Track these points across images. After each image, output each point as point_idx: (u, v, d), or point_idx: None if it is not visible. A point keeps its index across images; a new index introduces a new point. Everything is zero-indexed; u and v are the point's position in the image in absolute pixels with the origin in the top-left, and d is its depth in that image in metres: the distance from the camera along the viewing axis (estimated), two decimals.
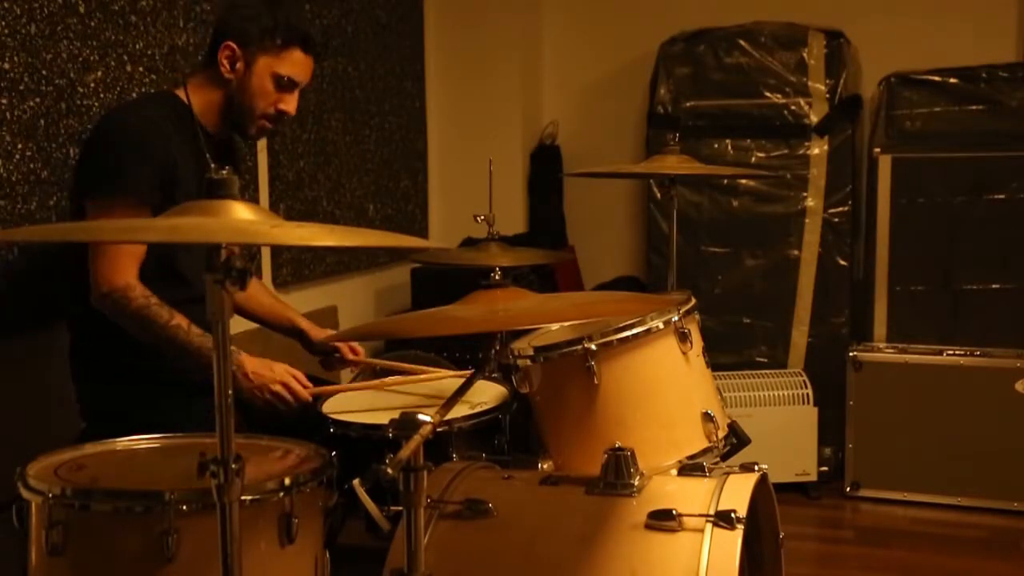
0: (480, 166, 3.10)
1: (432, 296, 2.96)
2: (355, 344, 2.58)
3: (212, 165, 2.28)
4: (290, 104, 2.35)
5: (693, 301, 2.20)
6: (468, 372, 1.97)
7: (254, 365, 2.25)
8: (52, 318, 2.50)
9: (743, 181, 3.89)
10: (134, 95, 2.73)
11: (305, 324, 2.61)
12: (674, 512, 1.75)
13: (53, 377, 2.56)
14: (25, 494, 1.66)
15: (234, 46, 2.29)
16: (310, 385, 2.30)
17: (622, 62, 4.46)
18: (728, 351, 3.85)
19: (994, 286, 3.70)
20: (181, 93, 2.36)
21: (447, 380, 2.58)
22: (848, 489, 3.68)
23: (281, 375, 2.26)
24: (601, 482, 1.87)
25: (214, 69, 2.32)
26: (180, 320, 2.18)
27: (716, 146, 3.93)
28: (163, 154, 2.23)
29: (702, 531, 1.73)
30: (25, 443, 2.25)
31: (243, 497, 1.39)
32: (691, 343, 2.12)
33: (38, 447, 1.90)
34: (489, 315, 1.59)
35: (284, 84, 2.32)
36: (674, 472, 2.03)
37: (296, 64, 2.33)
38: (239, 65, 2.29)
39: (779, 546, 2.04)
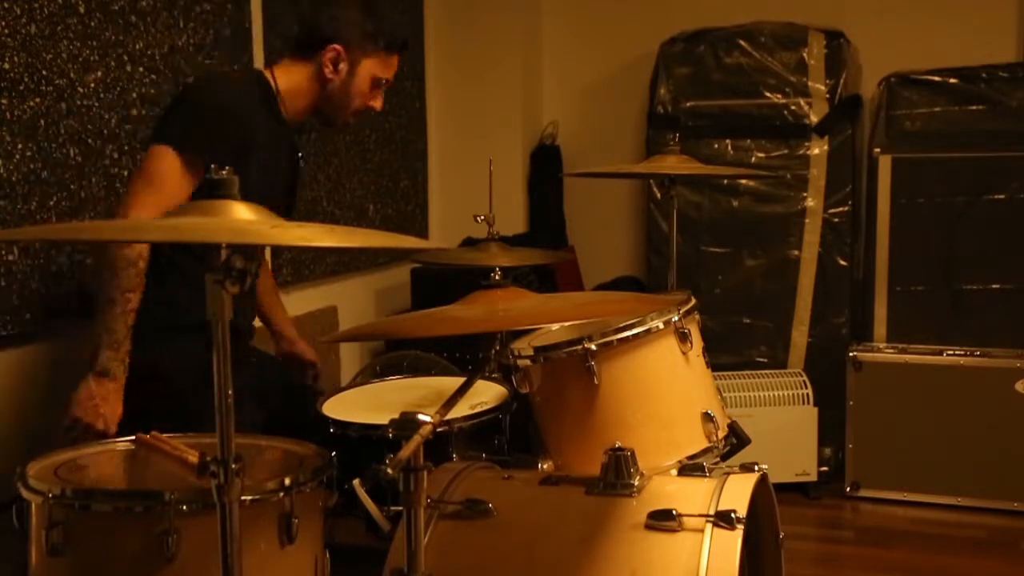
0: (480, 166, 3.11)
1: (432, 296, 2.96)
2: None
3: (291, 145, 2.51)
4: (379, 101, 2.51)
5: (693, 301, 2.20)
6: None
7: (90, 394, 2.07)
8: (52, 318, 2.51)
9: (743, 181, 3.89)
10: (134, 95, 2.73)
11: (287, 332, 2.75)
12: (674, 512, 1.75)
13: (53, 378, 2.56)
14: (25, 494, 1.66)
15: (340, 49, 2.40)
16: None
17: (622, 62, 4.46)
18: (728, 351, 3.85)
19: (994, 286, 3.70)
20: (268, 75, 2.43)
21: (447, 380, 2.58)
22: (848, 489, 3.68)
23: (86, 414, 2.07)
24: (601, 482, 1.87)
25: (311, 64, 2.41)
26: (133, 297, 2.10)
27: (716, 146, 3.93)
28: (237, 127, 2.28)
29: (702, 531, 1.73)
30: (25, 443, 2.26)
31: (243, 497, 1.39)
32: (691, 343, 2.12)
33: (38, 447, 1.90)
34: (489, 315, 1.59)
35: (380, 84, 2.48)
36: (674, 472, 2.03)
37: (393, 67, 2.50)
38: (342, 66, 2.40)
39: (779, 546, 2.04)
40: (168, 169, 2.18)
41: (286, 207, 2.55)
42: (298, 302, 3.55)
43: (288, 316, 2.80)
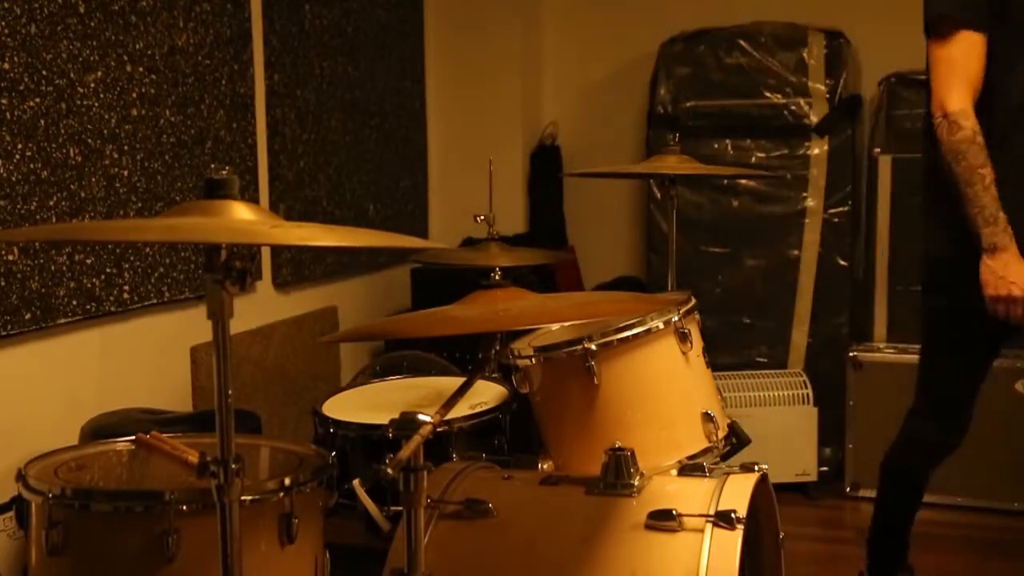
0: (480, 166, 3.11)
1: (432, 296, 2.96)
2: None
3: None
4: None
5: (693, 301, 2.20)
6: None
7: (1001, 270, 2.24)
8: (52, 316, 2.51)
9: (743, 181, 3.89)
10: (134, 95, 2.73)
11: None
12: (674, 512, 1.75)
13: (54, 376, 2.56)
14: (25, 494, 1.67)
15: None
16: None
17: (622, 62, 4.46)
18: (728, 351, 3.85)
19: None
20: None
21: (447, 380, 2.58)
22: (848, 489, 3.67)
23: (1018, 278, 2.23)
24: (601, 482, 1.87)
25: None
26: (987, 172, 2.21)
27: (716, 146, 3.93)
28: None
29: (702, 531, 1.73)
30: (25, 443, 2.26)
31: (243, 497, 1.39)
32: (691, 343, 2.12)
33: (38, 447, 1.90)
34: (489, 315, 1.59)
35: None
36: (674, 472, 2.03)
37: None
38: None
39: (779, 546, 2.04)
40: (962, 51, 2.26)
41: None
42: (298, 302, 3.55)
43: None
